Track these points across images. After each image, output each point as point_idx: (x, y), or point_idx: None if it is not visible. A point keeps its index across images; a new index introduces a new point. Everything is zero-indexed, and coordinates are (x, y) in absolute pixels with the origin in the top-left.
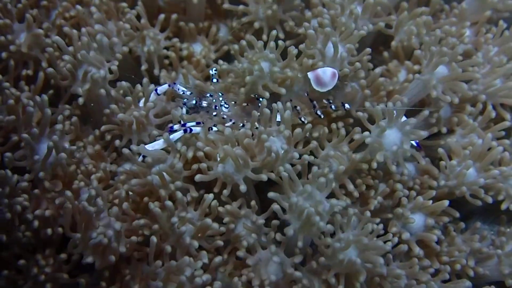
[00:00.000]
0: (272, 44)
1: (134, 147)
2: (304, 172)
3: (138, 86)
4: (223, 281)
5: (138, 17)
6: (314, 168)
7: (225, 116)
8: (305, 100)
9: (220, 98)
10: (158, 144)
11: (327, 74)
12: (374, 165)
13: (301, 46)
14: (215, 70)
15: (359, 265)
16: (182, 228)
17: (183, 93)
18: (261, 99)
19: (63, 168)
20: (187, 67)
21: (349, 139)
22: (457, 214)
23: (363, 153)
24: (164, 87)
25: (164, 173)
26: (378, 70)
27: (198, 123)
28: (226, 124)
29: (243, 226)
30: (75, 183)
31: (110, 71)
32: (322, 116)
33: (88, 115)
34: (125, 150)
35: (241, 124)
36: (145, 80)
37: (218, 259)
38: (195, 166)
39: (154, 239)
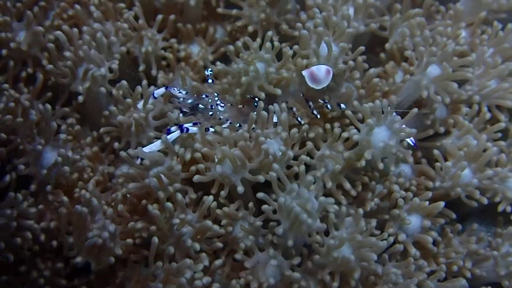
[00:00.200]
0: (268, 45)
1: (131, 150)
2: (302, 173)
3: (138, 88)
4: (221, 283)
5: (136, 18)
6: (302, 167)
7: (221, 117)
8: (300, 100)
9: (216, 98)
10: (156, 145)
11: (321, 71)
12: (363, 163)
13: (295, 47)
14: (210, 71)
15: (353, 262)
16: (183, 229)
17: (179, 92)
18: (256, 98)
19: (66, 178)
20: (185, 68)
21: (344, 139)
22: (454, 216)
23: (352, 151)
24: (161, 90)
25: (162, 176)
26: (372, 70)
27: (195, 124)
28: (223, 125)
29: (240, 228)
30: (76, 191)
31: (110, 70)
32: (319, 116)
33: (85, 116)
34: (123, 153)
35: (238, 124)
36: (145, 82)
37: (218, 262)
38: (193, 168)
39: (155, 240)
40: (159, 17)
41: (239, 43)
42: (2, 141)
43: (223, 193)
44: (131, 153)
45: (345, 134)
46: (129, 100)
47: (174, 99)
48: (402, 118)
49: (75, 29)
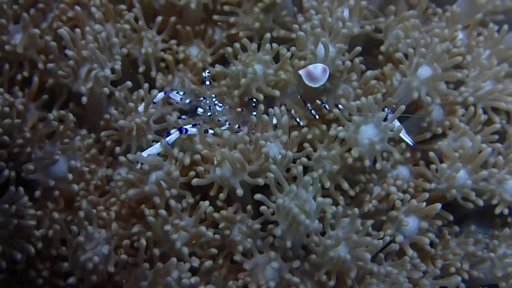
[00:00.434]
0: (267, 46)
1: (130, 155)
2: (300, 174)
3: (141, 91)
4: (217, 285)
5: (135, 20)
6: (299, 168)
7: (220, 118)
8: (298, 101)
9: (214, 99)
10: (155, 148)
11: (317, 69)
12: (349, 160)
13: (293, 48)
14: (208, 73)
15: (349, 262)
16: (174, 236)
17: (177, 92)
18: (255, 99)
19: (71, 191)
20: (183, 70)
21: (341, 139)
22: (451, 217)
23: (340, 149)
24: (160, 95)
25: (162, 182)
26: (370, 72)
27: (194, 125)
28: (223, 128)
29: (238, 231)
30: (77, 200)
31: (112, 71)
32: (317, 117)
33: (84, 118)
34: (122, 158)
35: (237, 126)
36: (146, 85)
37: (208, 263)
38: (192, 173)
39: (143, 242)
40: (159, 18)
41: (237, 45)
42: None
43: (222, 195)
44: (130, 158)
45: (332, 132)
46: (131, 104)
47: (173, 101)
48: (400, 120)
49: (77, 30)
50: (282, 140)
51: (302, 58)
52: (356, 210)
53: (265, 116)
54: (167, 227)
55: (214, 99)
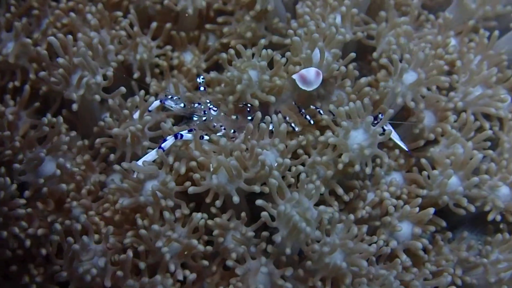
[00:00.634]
0: (263, 52)
1: (125, 164)
2: (302, 181)
3: (136, 98)
4: None
5: (130, 26)
6: (303, 175)
7: (215, 124)
8: (293, 107)
9: (208, 103)
10: (151, 155)
11: (310, 72)
12: (340, 166)
13: (288, 54)
14: (202, 79)
15: (345, 268)
16: (163, 249)
17: (171, 97)
18: (249, 104)
19: (61, 191)
20: (177, 76)
21: (334, 145)
22: (444, 223)
23: (330, 155)
24: (156, 103)
25: (157, 192)
26: (364, 79)
27: (189, 131)
28: (218, 133)
29: (232, 238)
30: (67, 201)
31: (104, 78)
32: (312, 122)
33: (77, 124)
34: (116, 167)
35: (232, 131)
36: (142, 92)
37: (192, 276)
38: (187, 184)
39: (130, 254)
40: (154, 24)
41: (232, 51)
42: None
43: (218, 202)
44: (125, 167)
45: (321, 138)
46: (126, 112)
47: (168, 106)
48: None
49: (69, 36)
50: (279, 148)
51: (297, 63)
52: (352, 216)
53: (264, 125)
54: (159, 244)
55: (208, 104)
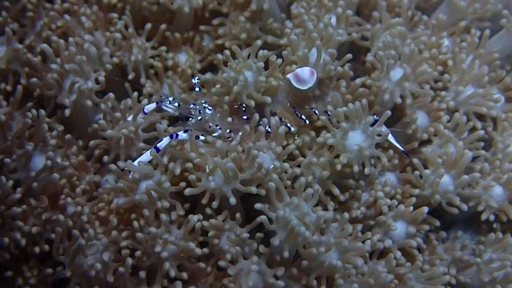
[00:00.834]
0: (260, 53)
1: (121, 162)
2: (301, 186)
3: (128, 101)
4: None
5: (125, 27)
6: (302, 180)
7: (211, 125)
8: (288, 108)
9: (203, 103)
10: (146, 155)
11: (305, 71)
12: (338, 167)
13: (284, 53)
14: (197, 79)
15: (340, 267)
16: (163, 253)
17: (167, 98)
18: (245, 104)
19: (54, 185)
20: (172, 77)
21: (329, 146)
22: (437, 223)
23: (327, 156)
24: (152, 105)
25: (152, 192)
26: (358, 80)
27: (185, 131)
28: (214, 134)
29: (226, 239)
30: (61, 198)
31: (97, 82)
32: (308, 122)
33: (71, 126)
34: (112, 166)
35: (228, 130)
36: (135, 94)
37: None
38: (183, 184)
39: (129, 261)
40: (148, 25)
41: (227, 52)
42: None
43: (214, 204)
44: (120, 165)
45: (319, 139)
46: (118, 114)
47: (164, 108)
48: (387, 125)
49: (62, 41)
50: (276, 151)
51: (293, 62)
52: (346, 214)
53: (262, 128)
54: (158, 249)
55: (203, 103)
